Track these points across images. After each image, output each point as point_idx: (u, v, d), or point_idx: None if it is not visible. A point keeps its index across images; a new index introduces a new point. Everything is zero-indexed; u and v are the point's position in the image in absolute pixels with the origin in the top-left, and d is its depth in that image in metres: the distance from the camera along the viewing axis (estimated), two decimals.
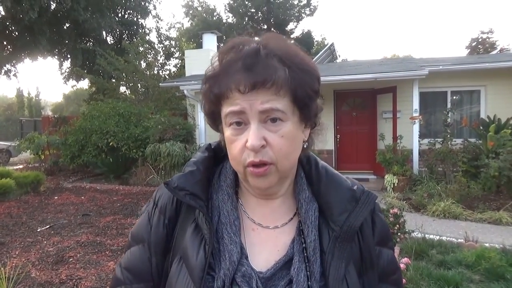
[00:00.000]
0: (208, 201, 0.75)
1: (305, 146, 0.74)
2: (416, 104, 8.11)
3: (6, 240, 5.12)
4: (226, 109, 0.68)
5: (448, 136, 7.68)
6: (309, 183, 0.77)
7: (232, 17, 26.96)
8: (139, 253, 0.77)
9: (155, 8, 19.61)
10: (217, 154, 0.82)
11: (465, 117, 8.96)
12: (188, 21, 28.35)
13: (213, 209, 0.75)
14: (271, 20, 25.92)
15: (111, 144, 9.47)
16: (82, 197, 7.88)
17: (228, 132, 0.69)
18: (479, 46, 23.35)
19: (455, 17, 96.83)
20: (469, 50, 23.64)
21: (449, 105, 8.89)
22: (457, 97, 9.31)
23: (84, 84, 23.54)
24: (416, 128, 8.06)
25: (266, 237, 0.74)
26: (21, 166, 12.37)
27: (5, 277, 3.39)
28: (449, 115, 8.20)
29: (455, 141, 7.70)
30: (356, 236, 0.74)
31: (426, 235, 4.65)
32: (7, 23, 12.89)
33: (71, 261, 4.32)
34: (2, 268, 3.51)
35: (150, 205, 0.81)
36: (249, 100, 0.65)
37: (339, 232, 0.71)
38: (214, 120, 0.74)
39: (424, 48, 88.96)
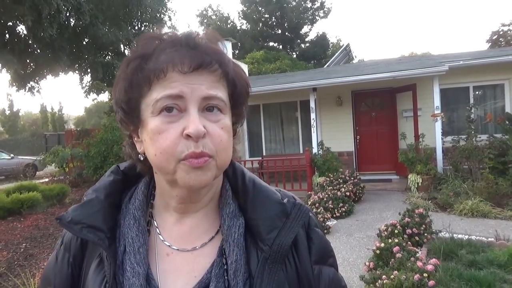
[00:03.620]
0: (114, 231, 0.66)
1: None
2: (437, 101, 7.93)
3: (34, 251, 5.24)
4: (158, 94, 0.58)
5: (473, 132, 7.47)
6: (236, 197, 0.68)
7: (246, 23, 27.16)
8: None
9: (170, 19, 19.81)
10: (129, 177, 0.72)
11: (489, 113, 8.69)
12: (203, 30, 28.66)
13: (120, 238, 0.65)
14: (285, 25, 25.96)
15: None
16: None
17: (156, 121, 0.58)
18: (501, 39, 22.70)
19: (473, 11, 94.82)
20: (490, 43, 23.03)
21: (471, 101, 8.66)
22: (479, 92, 9.06)
23: (105, 97, 24.09)
24: (438, 125, 7.87)
25: (182, 261, 0.64)
26: (46, 179, 12.70)
27: None
28: (472, 111, 7.98)
29: (480, 137, 7.48)
30: (291, 255, 0.65)
31: (454, 235, 4.51)
32: (29, 42, 13.31)
33: None
34: (31, 280, 3.59)
35: (58, 241, 0.72)
36: (190, 83, 0.57)
37: (269, 252, 0.62)
38: (130, 111, 0.62)
39: (442, 44, 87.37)
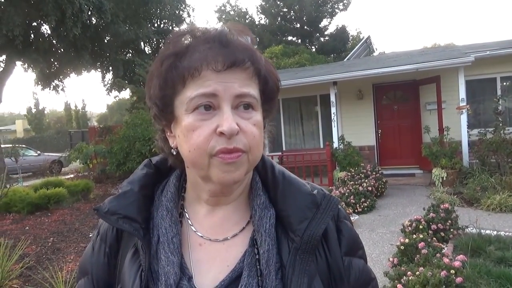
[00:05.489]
0: (148, 222, 0.68)
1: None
2: (462, 93, 7.70)
3: (61, 246, 5.39)
4: (192, 92, 0.59)
5: (500, 125, 7.22)
6: (265, 189, 0.69)
7: (264, 18, 27.01)
8: (84, 286, 0.71)
9: (189, 16, 19.91)
10: (161, 170, 0.75)
11: None
12: (222, 26, 28.74)
13: (154, 228, 0.68)
14: (304, 18, 25.69)
15: (153, 150, 9.74)
16: None
17: (190, 118, 0.59)
18: None
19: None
20: None
21: (499, 92, 8.38)
22: (507, 83, 8.75)
23: (126, 94, 24.48)
24: (464, 118, 7.65)
25: (215, 251, 0.66)
26: (71, 175, 13.03)
27: (62, 281, 3.55)
28: (500, 102, 7.72)
29: (508, 129, 7.23)
30: (322, 247, 0.66)
31: (482, 231, 4.38)
32: (53, 41, 13.64)
33: None
34: (59, 273, 3.69)
35: (95, 233, 0.75)
36: (223, 81, 0.58)
37: (300, 242, 0.63)
38: (164, 107, 0.63)
39: (466, 35, 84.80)
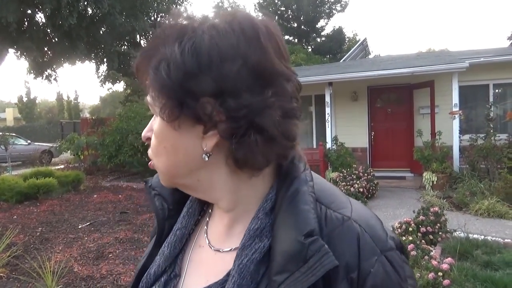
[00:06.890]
0: (181, 206, 0.67)
1: (205, 159, 0.53)
2: (455, 99, 7.77)
3: (50, 236, 5.34)
4: None
5: (491, 131, 7.31)
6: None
7: (261, 16, 26.96)
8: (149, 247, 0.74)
9: (186, 10, 19.85)
10: None
11: (510, 111, 8.48)
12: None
13: (180, 214, 0.67)
14: (301, 18, 25.74)
15: (146, 143, 9.70)
16: (120, 196, 8.12)
17: None
18: None
19: (492, 7, 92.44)
20: (511, 41, 22.42)
21: (491, 99, 8.47)
22: (499, 90, 8.85)
23: (120, 86, 24.33)
24: (456, 123, 7.72)
25: (207, 258, 0.61)
26: (62, 166, 12.91)
27: (50, 271, 3.53)
28: (492, 109, 7.81)
29: (499, 136, 7.32)
30: None
31: (470, 235, 4.43)
32: (48, 30, 13.47)
33: (111, 256, 4.45)
34: (47, 263, 3.66)
35: None
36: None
37: None
38: None
39: (461, 41, 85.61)
